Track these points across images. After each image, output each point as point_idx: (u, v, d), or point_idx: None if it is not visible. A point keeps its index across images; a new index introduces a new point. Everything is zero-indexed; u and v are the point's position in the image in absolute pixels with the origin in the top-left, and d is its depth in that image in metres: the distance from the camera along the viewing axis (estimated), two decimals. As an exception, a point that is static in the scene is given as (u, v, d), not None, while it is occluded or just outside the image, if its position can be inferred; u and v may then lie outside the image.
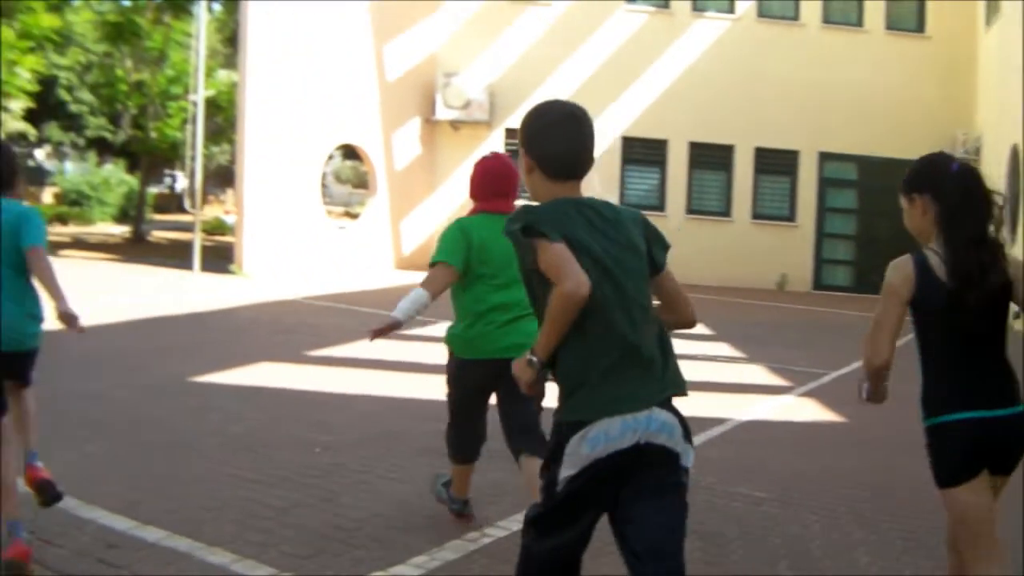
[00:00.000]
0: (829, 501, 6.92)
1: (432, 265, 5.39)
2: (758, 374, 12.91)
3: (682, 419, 3.36)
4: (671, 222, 26.29)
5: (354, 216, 32.02)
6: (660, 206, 27.21)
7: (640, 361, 3.30)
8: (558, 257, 3.21)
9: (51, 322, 5.37)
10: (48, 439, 7.28)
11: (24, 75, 16.17)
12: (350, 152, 34.81)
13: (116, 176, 45.81)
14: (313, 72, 23.49)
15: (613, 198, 26.26)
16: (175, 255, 24.52)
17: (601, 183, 26.69)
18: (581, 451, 3.23)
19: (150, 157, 33.10)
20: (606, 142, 26.64)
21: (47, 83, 44.22)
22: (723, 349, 14.43)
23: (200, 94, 22.74)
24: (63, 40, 39.34)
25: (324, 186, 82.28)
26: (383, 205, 26.20)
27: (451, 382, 5.66)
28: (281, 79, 22.89)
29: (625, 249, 3.39)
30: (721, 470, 7.51)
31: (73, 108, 46.14)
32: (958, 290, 3.75)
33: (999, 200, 3.94)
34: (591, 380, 3.27)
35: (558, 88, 26.44)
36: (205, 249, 23.42)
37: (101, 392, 9.47)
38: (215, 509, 6.09)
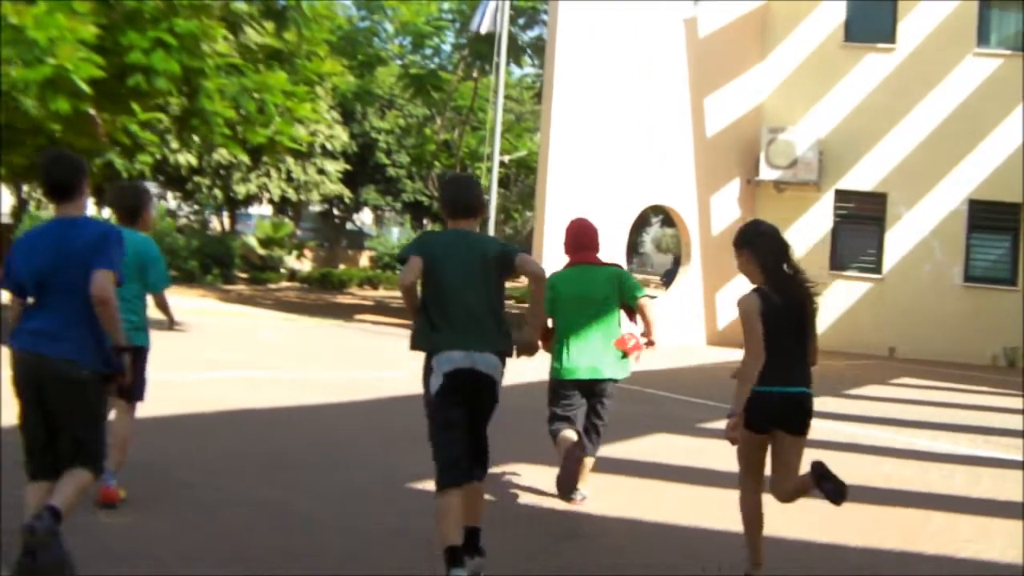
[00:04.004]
0: None
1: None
2: None
3: (503, 361, 5.69)
4: (1024, 297, 22.80)
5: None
6: (1011, 279, 23.63)
7: (475, 322, 5.55)
8: (410, 261, 5.56)
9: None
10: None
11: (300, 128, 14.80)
12: (671, 220, 32.79)
13: (432, 241, 45.60)
14: (623, 128, 21.75)
15: (957, 268, 23.62)
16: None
17: (942, 250, 23.59)
18: (439, 368, 5.50)
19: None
20: (950, 205, 23.52)
21: (366, 146, 44.54)
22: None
23: (496, 152, 21.34)
24: (370, 98, 39.27)
25: (641, 254, 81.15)
26: (696, 274, 23.95)
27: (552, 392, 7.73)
28: (588, 135, 21.30)
29: (477, 257, 5.63)
30: None
31: (391, 172, 46.19)
32: (781, 305, 5.67)
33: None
34: (445, 328, 5.54)
35: (897, 145, 23.66)
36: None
37: (283, 497, 7.58)
38: None
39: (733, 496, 8.16)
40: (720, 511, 7.80)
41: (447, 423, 5.52)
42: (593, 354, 7.44)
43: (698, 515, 7.66)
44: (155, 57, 11.08)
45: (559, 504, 7.76)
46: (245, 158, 36.21)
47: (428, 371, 5.56)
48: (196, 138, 15.61)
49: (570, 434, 7.41)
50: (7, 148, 12.30)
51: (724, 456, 9.93)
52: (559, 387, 7.57)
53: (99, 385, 5.34)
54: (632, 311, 7.69)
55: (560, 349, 7.50)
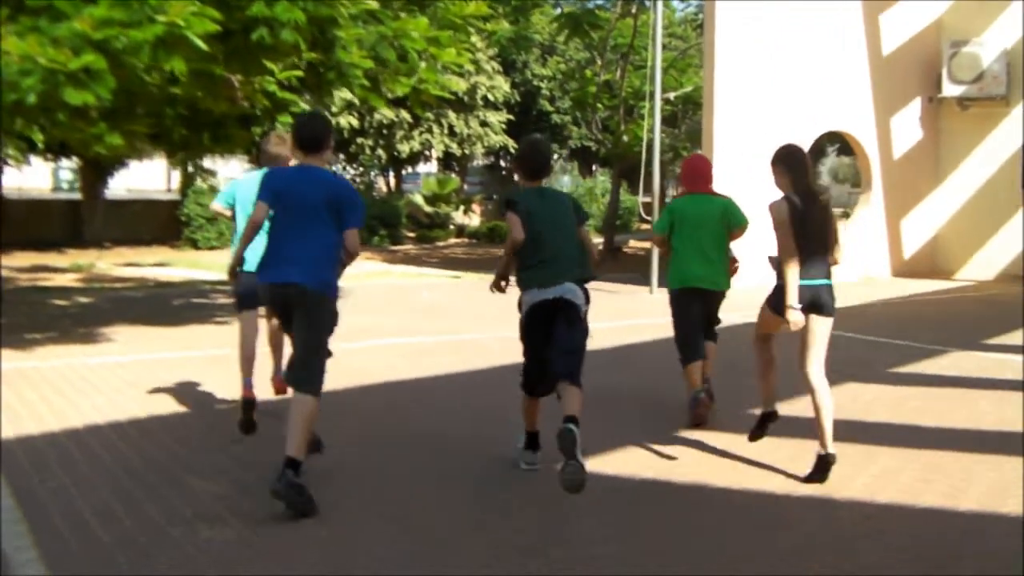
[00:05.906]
0: None
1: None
2: None
3: (585, 290, 6.68)
4: None
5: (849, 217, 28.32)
6: None
7: (562, 261, 6.61)
8: (513, 220, 6.61)
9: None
10: None
11: (448, 74, 13.94)
12: (847, 148, 31.14)
13: (603, 186, 44.72)
14: (792, 50, 20.54)
15: None
16: (648, 268, 21.31)
17: None
18: (530, 300, 6.58)
19: (622, 163, 31.01)
20: None
21: (528, 95, 43.84)
22: None
23: (657, 90, 20.29)
24: (525, 40, 38.47)
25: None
26: (878, 202, 22.51)
27: (673, 308, 8.79)
28: (754, 63, 20.23)
29: (559, 209, 6.81)
30: None
31: (555, 119, 45.43)
32: (805, 212, 6.68)
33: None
34: (536, 267, 6.58)
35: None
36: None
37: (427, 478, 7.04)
38: None
39: (942, 459, 7.34)
40: (926, 477, 6.82)
41: (533, 357, 6.75)
42: (706, 267, 8.52)
43: (906, 488, 6.61)
44: (278, 7, 10.33)
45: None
46: (402, 115, 36.00)
47: (521, 305, 6.72)
48: (333, 93, 14.96)
49: (697, 375, 8.45)
50: (127, 117, 11.81)
51: (930, 409, 8.85)
52: (680, 297, 8.65)
53: (330, 304, 6.43)
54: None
55: (678, 263, 8.62)
